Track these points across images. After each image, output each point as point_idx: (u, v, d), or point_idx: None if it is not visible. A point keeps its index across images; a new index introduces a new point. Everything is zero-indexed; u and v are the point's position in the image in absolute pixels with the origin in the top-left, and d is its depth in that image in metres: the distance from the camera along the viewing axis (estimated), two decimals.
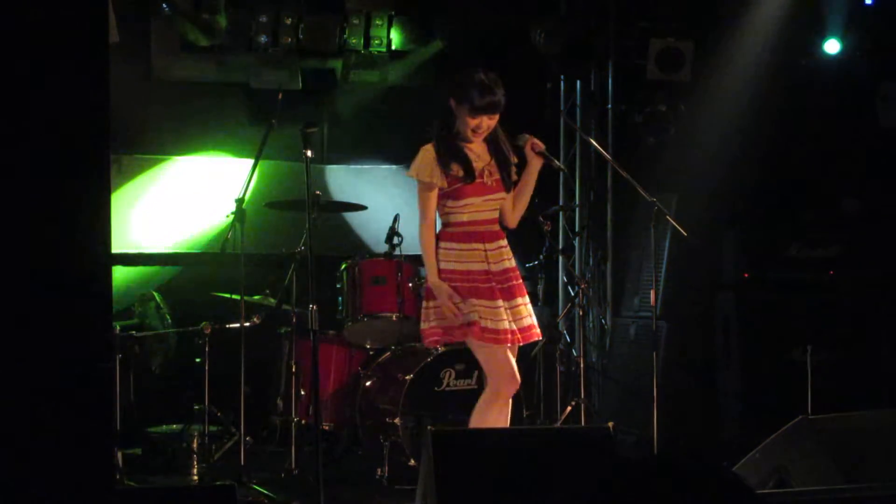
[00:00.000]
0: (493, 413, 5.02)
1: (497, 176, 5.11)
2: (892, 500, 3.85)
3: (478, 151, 5.13)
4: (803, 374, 6.88)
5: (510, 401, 5.11)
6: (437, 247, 5.10)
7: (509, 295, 5.06)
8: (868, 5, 8.24)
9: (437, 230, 5.17)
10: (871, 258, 7.46)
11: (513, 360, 5.07)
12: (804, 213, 8.05)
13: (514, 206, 5.23)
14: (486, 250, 5.06)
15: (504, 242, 5.15)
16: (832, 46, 8.20)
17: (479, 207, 5.08)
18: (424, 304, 5.16)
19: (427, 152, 5.08)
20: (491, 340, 4.99)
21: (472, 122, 5.03)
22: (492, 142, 5.16)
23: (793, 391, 6.94)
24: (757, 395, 7.25)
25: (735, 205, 7.86)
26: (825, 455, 4.36)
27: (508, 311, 5.03)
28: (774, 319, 7.32)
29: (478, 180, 5.06)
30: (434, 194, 5.07)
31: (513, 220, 5.28)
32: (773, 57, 8.06)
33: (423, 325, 5.14)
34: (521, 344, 5.14)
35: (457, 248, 5.07)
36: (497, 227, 5.16)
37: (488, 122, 5.07)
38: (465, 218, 5.08)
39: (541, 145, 5.16)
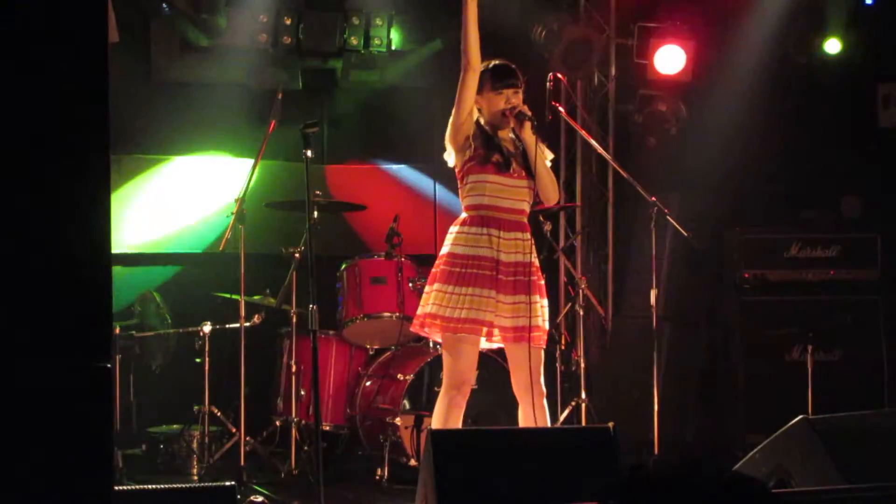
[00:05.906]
0: (452, 417, 4.95)
1: (521, 165, 5.04)
2: (892, 501, 3.85)
3: (511, 142, 5.09)
4: (803, 374, 6.88)
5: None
6: (450, 231, 5.05)
7: (511, 290, 4.97)
8: (868, 5, 8.23)
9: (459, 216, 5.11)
10: (871, 258, 7.46)
11: (472, 361, 4.97)
12: (804, 213, 8.05)
13: (538, 188, 5.09)
14: (500, 238, 4.96)
15: (524, 236, 5.03)
16: (832, 46, 8.18)
17: (500, 192, 4.99)
18: (427, 288, 5.09)
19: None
20: (446, 329, 4.91)
21: (500, 100, 4.98)
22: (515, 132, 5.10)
23: (793, 391, 6.94)
24: (757, 394, 7.25)
25: (735, 204, 7.85)
26: (825, 455, 4.35)
27: (504, 305, 4.94)
28: (774, 319, 7.32)
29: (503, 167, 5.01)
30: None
31: (546, 199, 5.13)
32: (773, 57, 8.05)
33: (419, 310, 5.07)
34: (500, 345, 5.05)
35: (465, 231, 5.00)
36: (521, 219, 5.06)
37: (515, 99, 5.01)
38: (485, 201, 4.99)
39: (515, 112, 5.01)
